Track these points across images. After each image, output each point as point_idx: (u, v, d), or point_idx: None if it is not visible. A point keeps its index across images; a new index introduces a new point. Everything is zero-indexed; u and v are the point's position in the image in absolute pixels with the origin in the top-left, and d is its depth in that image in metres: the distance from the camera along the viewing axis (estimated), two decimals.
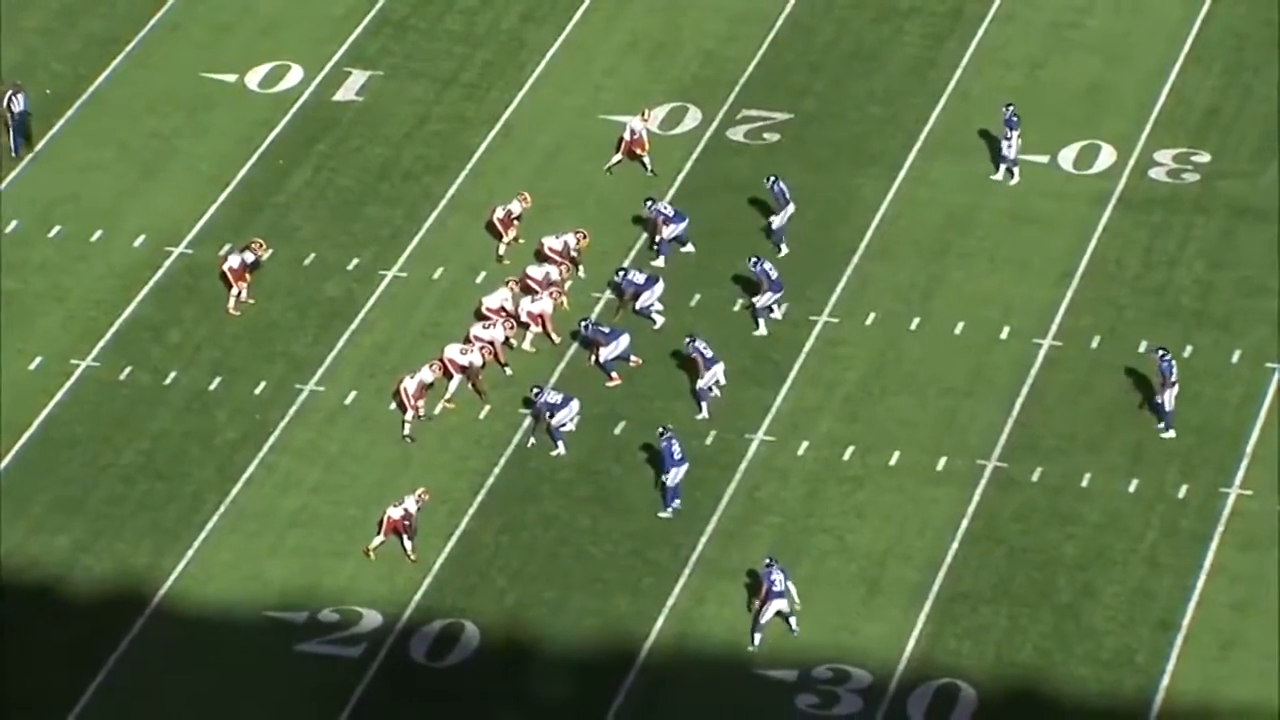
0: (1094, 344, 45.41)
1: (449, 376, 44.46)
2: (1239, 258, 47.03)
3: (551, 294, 45.55)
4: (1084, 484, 42.64)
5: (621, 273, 46.00)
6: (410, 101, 52.08)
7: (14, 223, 49.30)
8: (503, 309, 45.53)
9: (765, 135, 50.69)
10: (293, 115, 51.93)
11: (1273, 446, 43.07)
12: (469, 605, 41.24)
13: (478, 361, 44.51)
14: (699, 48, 52.79)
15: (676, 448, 41.83)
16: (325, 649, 40.64)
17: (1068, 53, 52.22)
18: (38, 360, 46.31)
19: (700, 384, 44.13)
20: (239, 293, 46.72)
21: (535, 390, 43.75)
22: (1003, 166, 48.60)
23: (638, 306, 45.85)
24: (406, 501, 41.27)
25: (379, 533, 41.43)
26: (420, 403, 43.97)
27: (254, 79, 52.93)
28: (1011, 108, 48.38)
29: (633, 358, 44.85)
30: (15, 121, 50.32)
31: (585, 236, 46.84)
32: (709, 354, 44.11)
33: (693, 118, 51.17)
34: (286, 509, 43.25)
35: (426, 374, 44.12)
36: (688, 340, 44.38)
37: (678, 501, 42.13)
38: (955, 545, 41.75)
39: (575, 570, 41.73)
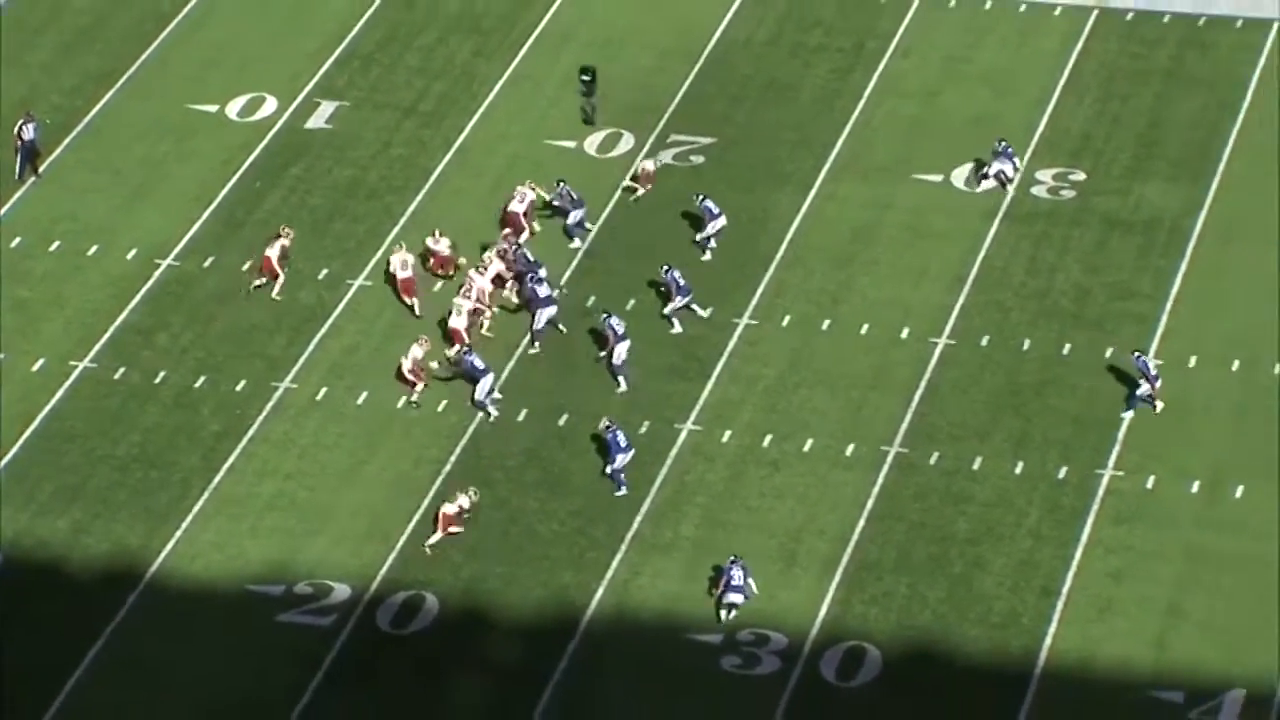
0: (983, 342, 45.55)
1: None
2: (1111, 265, 47.22)
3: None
4: (975, 467, 42.84)
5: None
6: (374, 128, 52.03)
7: (19, 239, 49.13)
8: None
9: (691, 158, 50.69)
10: (268, 141, 51.81)
11: (1141, 433, 43.29)
12: (429, 579, 41.28)
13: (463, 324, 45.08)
14: (631, 81, 52.75)
15: (621, 437, 41.89)
16: (300, 619, 40.66)
17: (959, 84, 52.32)
18: (40, 361, 46.20)
19: (614, 360, 44.29)
20: (282, 279, 46.95)
21: (465, 349, 44.11)
22: (983, 183, 48.62)
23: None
24: (460, 499, 41.16)
25: (436, 529, 41.38)
26: (421, 375, 44.21)
27: (233, 109, 52.80)
28: (1004, 142, 48.46)
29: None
30: (24, 148, 50.19)
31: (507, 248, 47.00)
32: (620, 330, 44.34)
33: (626, 142, 51.16)
34: (264, 494, 43.23)
35: (417, 350, 44.29)
36: (603, 317, 44.64)
37: (624, 484, 42.18)
38: (862, 522, 41.90)
39: (524, 547, 41.79)
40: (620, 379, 44.43)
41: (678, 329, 45.87)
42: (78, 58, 54.34)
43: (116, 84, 53.64)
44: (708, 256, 47.89)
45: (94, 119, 52.59)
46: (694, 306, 45.95)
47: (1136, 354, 43.37)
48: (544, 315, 45.52)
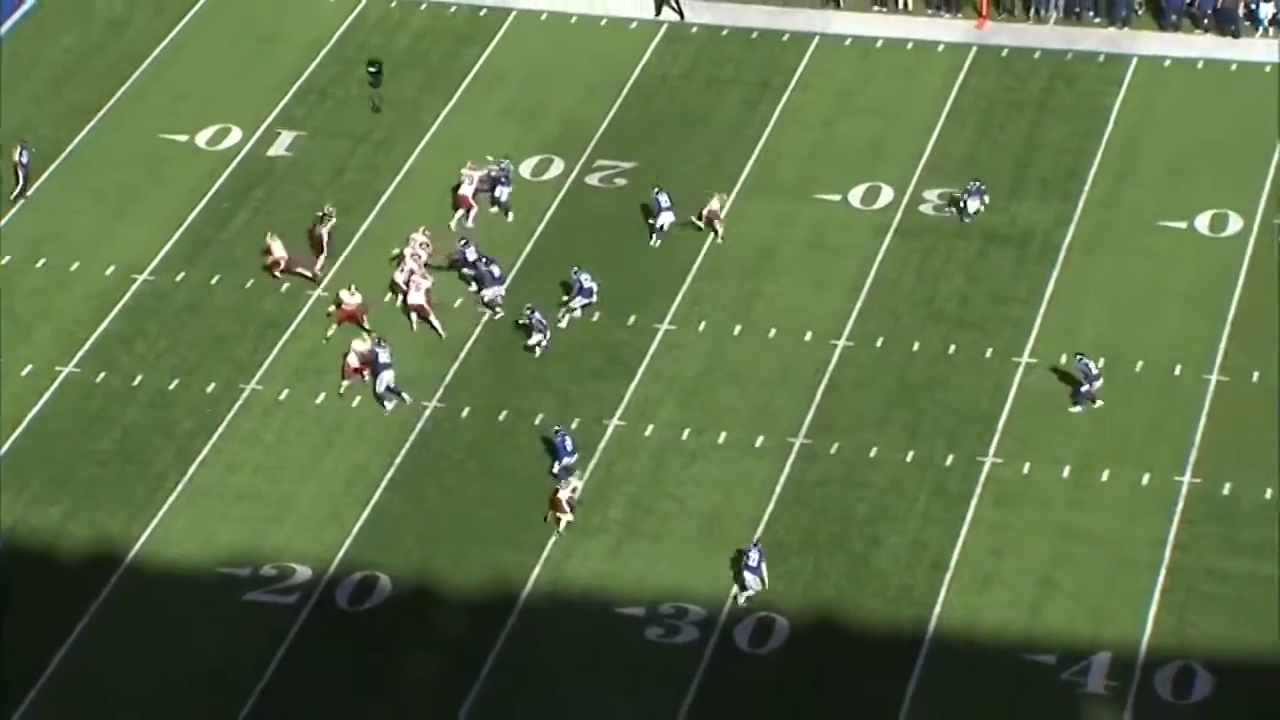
0: (878, 344, 45.68)
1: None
2: (991, 274, 47.39)
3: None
4: (871, 456, 42.98)
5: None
6: (329, 156, 51.92)
7: (9, 257, 48.94)
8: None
9: (616, 180, 50.69)
10: (234, 168, 51.66)
11: (1018, 423, 43.54)
12: (382, 561, 41.32)
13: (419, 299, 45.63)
14: (561, 111, 52.77)
15: (569, 442, 41.91)
16: (266, 598, 40.69)
17: (854, 114, 52.39)
18: (29, 367, 46.07)
19: (531, 341, 44.78)
20: (321, 259, 47.38)
21: (379, 340, 44.28)
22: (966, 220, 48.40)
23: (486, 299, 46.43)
24: (571, 482, 41.36)
25: (554, 510, 41.46)
26: (363, 372, 44.42)
27: (202, 139, 52.64)
28: (978, 181, 48.51)
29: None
30: (23, 171, 50.06)
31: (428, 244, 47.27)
32: (544, 323, 44.81)
33: (557, 167, 51.15)
34: (233, 485, 43.19)
35: (359, 345, 44.43)
36: (528, 310, 44.95)
37: (569, 485, 41.85)
38: (771, 506, 42.05)
39: (467, 531, 41.85)
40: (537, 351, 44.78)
41: (564, 324, 45.90)
42: (62, 92, 54.12)
43: (96, 116, 53.43)
44: (656, 243, 48.00)
45: (76, 147, 52.37)
46: (578, 310, 45.98)
47: (1080, 357, 43.32)
48: (491, 293, 46.18)
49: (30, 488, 43.07)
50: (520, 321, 45.34)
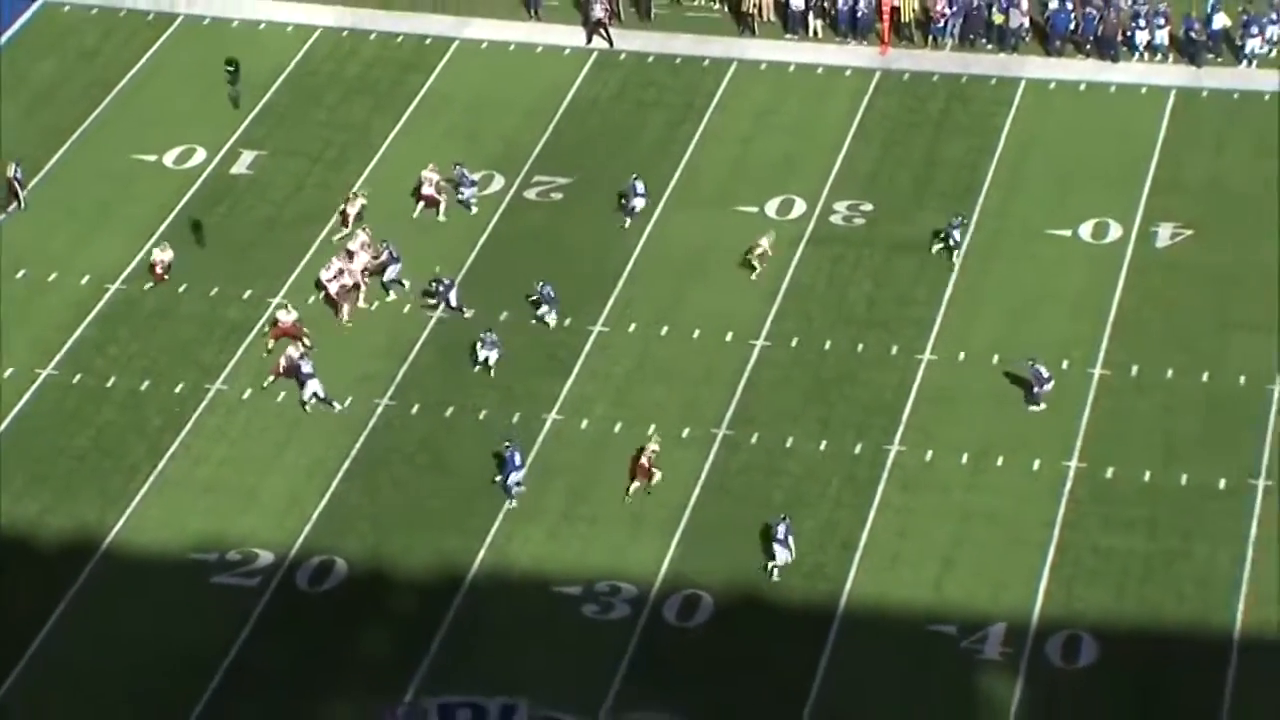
0: (793, 344, 45.86)
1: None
2: (895, 279, 47.60)
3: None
4: (787, 445, 43.13)
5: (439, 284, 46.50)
6: (288, 173, 51.82)
7: None
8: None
9: (552, 195, 50.72)
10: (199, 185, 51.48)
11: (921, 415, 43.82)
12: (339, 546, 41.33)
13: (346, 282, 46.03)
14: (501, 132, 52.79)
15: (518, 457, 41.69)
16: (232, 580, 40.66)
17: (769, 133, 52.54)
18: (10, 370, 45.89)
19: (491, 359, 44.82)
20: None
21: (300, 353, 44.44)
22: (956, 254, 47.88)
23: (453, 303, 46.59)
24: (650, 447, 41.47)
25: (636, 479, 41.60)
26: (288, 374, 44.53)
27: (169, 158, 52.45)
28: (960, 216, 47.98)
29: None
30: (11, 185, 50.05)
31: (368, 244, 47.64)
32: (497, 341, 44.79)
33: (498, 182, 51.12)
34: (201, 478, 43.11)
35: (292, 351, 44.51)
36: (484, 334, 45.08)
37: (517, 495, 41.80)
38: (697, 492, 42.17)
39: (418, 519, 41.90)
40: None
41: (552, 326, 46.17)
42: (40, 117, 53.82)
43: (71, 138, 53.21)
44: (627, 224, 48.62)
45: (53, 167, 52.09)
46: (548, 319, 46.13)
47: (1030, 361, 43.33)
48: (392, 271, 46.86)
49: (11, 483, 42.84)
50: (476, 343, 45.07)
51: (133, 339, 46.69)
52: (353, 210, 48.95)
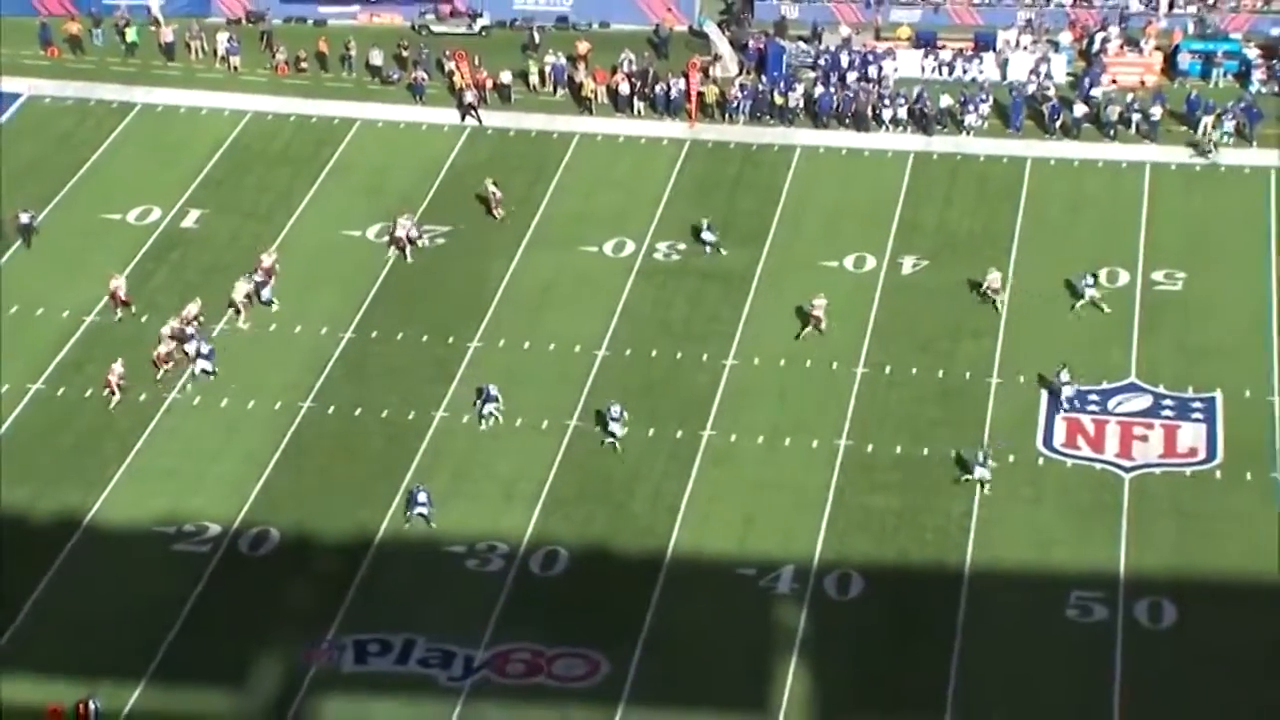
0: (627, 353, 45.53)
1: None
2: (705, 302, 47.52)
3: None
4: (625, 433, 42.83)
5: None
6: (226, 227, 50.83)
7: None
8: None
9: (437, 240, 50.10)
10: (156, 237, 50.44)
11: (727, 406, 43.72)
12: (272, 519, 40.70)
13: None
14: (397, 189, 52.13)
15: (422, 495, 40.25)
16: (188, 548, 40.00)
17: (606, 189, 52.26)
18: (6, 386, 44.77)
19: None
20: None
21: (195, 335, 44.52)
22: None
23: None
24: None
25: None
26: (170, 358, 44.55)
27: (132, 216, 51.30)
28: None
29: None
30: (25, 230, 49.04)
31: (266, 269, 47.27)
32: (496, 396, 43.44)
33: (398, 231, 50.48)
34: (161, 467, 42.30)
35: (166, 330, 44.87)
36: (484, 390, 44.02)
37: (414, 519, 40.39)
38: (554, 471, 41.90)
39: (335, 497, 41.30)
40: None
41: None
42: (27, 186, 52.36)
43: (53, 203, 51.86)
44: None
45: (39, 225, 50.64)
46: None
47: (1059, 371, 42.03)
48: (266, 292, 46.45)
49: (7, 476, 41.88)
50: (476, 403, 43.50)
51: (105, 360, 45.51)
52: (266, 262, 47.98)
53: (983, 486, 40.73)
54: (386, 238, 49.14)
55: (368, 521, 40.54)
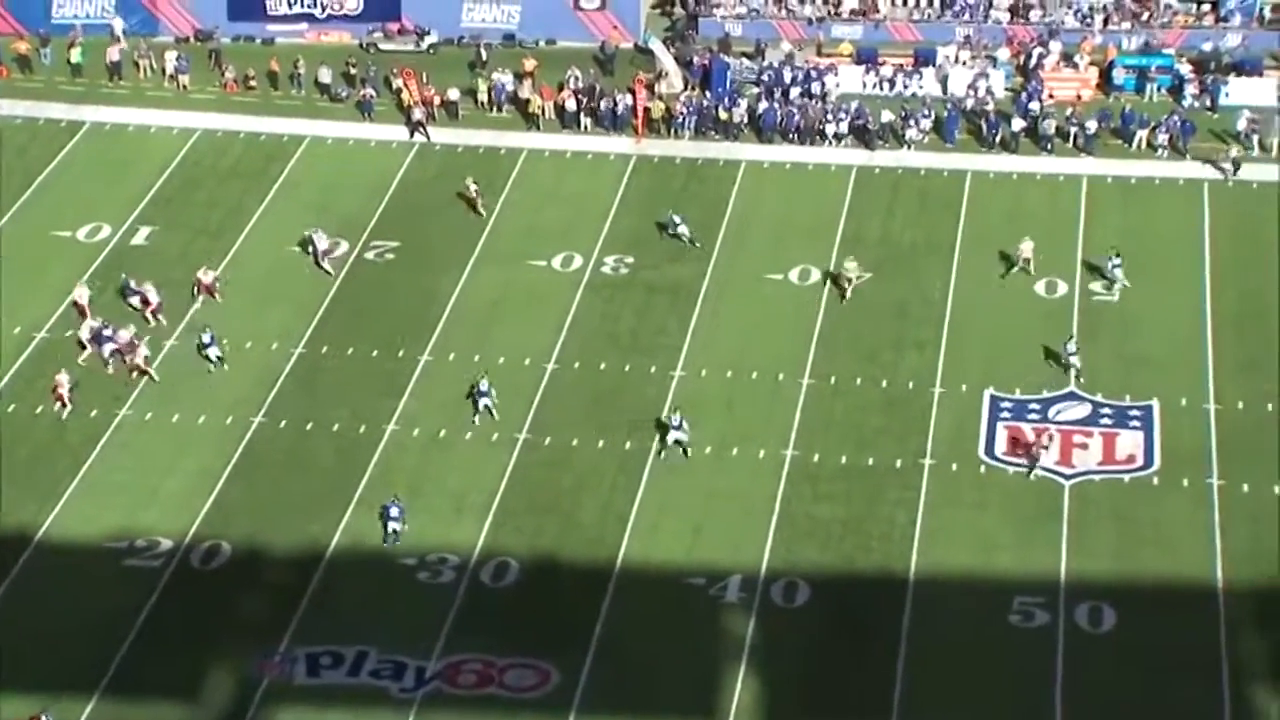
0: (576, 366, 45.78)
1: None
2: (652, 314, 47.68)
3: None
4: (574, 444, 43.03)
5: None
6: (176, 244, 50.70)
7: None
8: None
9: (386, 255, 50.20)
10: (106, 254, 50.26)
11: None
12: (224, 533, 40.63)
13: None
14: (344, 207, 52.14)
15: (395, 510, 40.36)
16: (140, 563, 39.85)
17: (554, 206, 52.29)
18: None
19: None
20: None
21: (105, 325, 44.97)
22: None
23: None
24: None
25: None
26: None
27: (81, 234, 51.10)
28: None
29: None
30: None
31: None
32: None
33: (343, 247, 50.46)
34: (113, 482, 42.17)
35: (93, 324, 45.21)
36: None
37: (392, 536, 40.49)
38: (504, 482, 41.97)
39: (287, 511, 41.27)
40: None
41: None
42: None
43: (2, 220, 51.61)
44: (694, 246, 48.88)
45: None
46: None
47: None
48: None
49: None
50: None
51: (55, 375, 45.28)
52: (207, 279, 48.08)
53: (925, 494, 41.11)
54: (299, 248, 48.96)
55: (319, 535, 40.52)
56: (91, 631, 38.00)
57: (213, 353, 45.29)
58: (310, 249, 49.32)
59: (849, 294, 46.81)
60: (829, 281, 47.47)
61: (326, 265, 49.01)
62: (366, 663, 37.26)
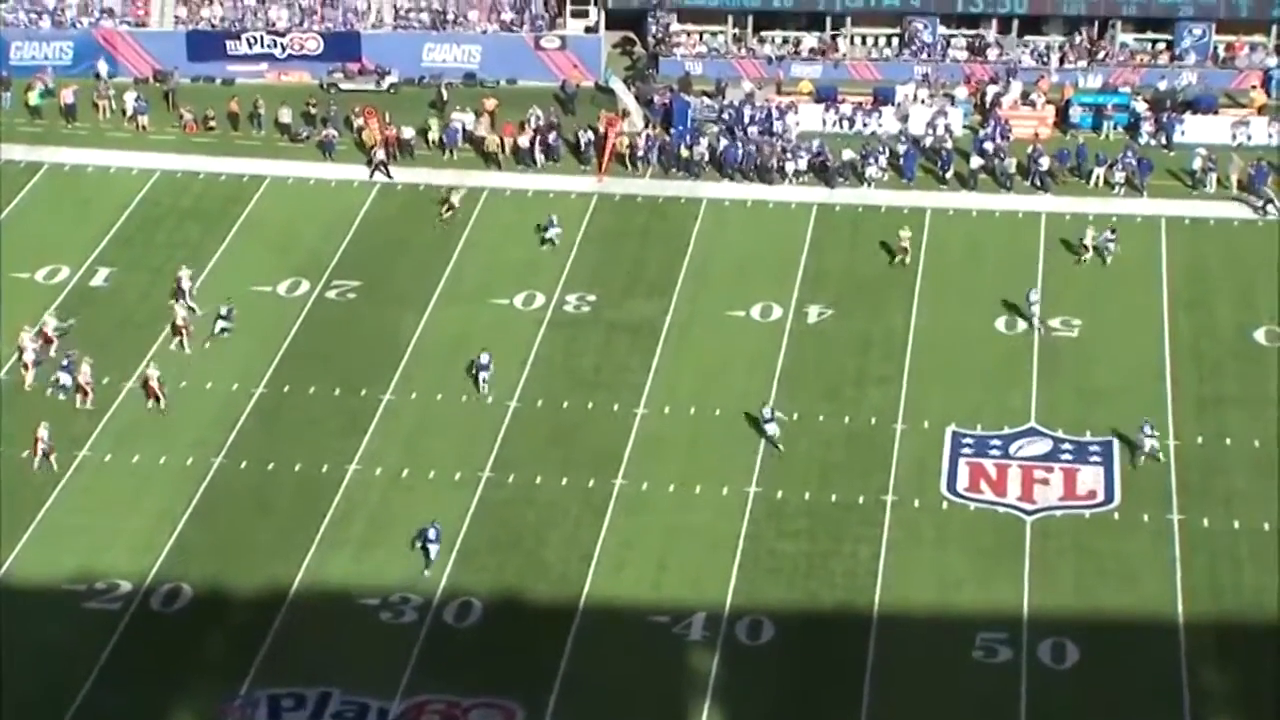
0: (539, 404, 45.66)
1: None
2: (615, 352, 47.66)
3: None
4: (537, 482, 42.87)
5: None
6: (136, 284, 50.36)
7: None
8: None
9: (348, 294, 50.02)
10: (66, 294, 49.87)
11: (638, 455, 43.72)
12: (185, 574, 40.24)
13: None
14: (306, 245, 52.01)
15: (432, 533, 40.38)
16: (100, 605, 39.40)
17: (517, 242, 52.27)
18: None
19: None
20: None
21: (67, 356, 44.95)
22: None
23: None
24: None
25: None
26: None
27: (40, 275, 50.71)
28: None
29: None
30: None
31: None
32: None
33: (304, 286, 50.29)
34: (73, 524, 41.73)
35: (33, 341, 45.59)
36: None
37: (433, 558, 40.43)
38: (467, 521, 41.75)
39: (249, 551, 40.93)
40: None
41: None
42: None
43: None
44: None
45: None
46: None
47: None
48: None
49: None
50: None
51: (12, 417, 44.93)
52: (185, 281, 48.22)
53: (888, 529, 41.10)
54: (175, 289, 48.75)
55: (281, 575, 40.18)
56: (51, 674, 37.52)
57: (224, 325, 46.48)
58: (176, 290, 48.66)
59: (907, 259, 49.12)
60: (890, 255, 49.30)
61: (193, 304, 48.38)
62: (329, 704, 36.88)
